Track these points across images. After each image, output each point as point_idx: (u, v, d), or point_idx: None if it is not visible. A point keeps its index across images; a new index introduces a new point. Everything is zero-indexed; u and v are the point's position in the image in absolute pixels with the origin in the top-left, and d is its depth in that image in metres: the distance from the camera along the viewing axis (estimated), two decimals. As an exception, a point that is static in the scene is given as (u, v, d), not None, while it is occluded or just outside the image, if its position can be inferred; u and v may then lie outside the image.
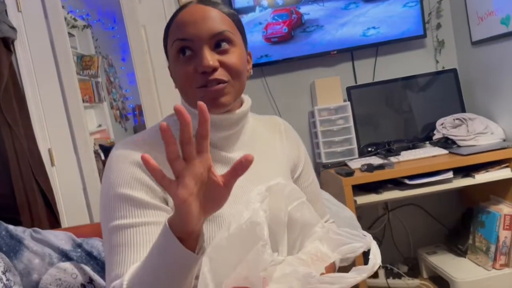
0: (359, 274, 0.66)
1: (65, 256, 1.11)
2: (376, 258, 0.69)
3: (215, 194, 0.62)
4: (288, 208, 0.82)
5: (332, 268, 0.83)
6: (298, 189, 0.83)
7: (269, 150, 0.93)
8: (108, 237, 0.76)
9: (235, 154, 0.86)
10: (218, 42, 0.78)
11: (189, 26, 0.77)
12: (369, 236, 0.74)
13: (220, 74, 0.77)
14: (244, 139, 0.89)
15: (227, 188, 0.62)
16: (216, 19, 0.78)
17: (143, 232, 0.74)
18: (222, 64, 0.77)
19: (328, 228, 0.82)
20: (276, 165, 0.92)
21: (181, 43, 0.77)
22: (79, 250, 1.13)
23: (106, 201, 0.77)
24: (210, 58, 0.75)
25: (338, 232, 0.80)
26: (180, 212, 0.60)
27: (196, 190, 0.60)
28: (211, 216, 0.79)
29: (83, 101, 3.19)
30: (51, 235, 1.14)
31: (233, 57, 0.78)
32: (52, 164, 2.13)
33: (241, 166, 0.59)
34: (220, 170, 0.83)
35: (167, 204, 0.79)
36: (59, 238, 1.14)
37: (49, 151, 2.11)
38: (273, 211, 0.79)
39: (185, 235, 0.62)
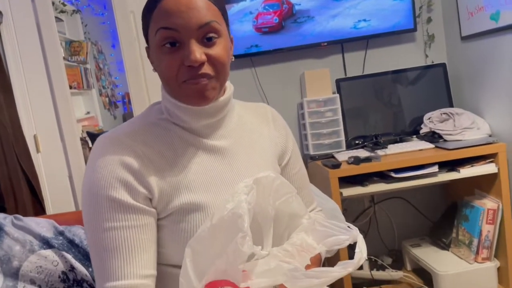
0: (345, 268, 0.67)
1: (46, 243, 1.09)
2: (362, 252, 0.69)
3: None
4: (276, 202, 0.82)
5: (318, 260, 0.84)
6: (288, 183, 0.83)
7: (256, 137, 0.92)
8: (92, 239, 0.75)
9: (220, 142, 0.85)
10: (205, 33, 0.76)
11: (175, 15, 0.74)
12: (355, 229, 0.75)
13: (207, 68, 0.76)
14: (230, 126, 0.88)
15: None
16: (203, 9, 0.75)
17: (126, 237, 0.74)
18: (209, 58, 0.76)
19: (314, 219, 0.82)
20: (263, 153, 0.91)
21: (166, 33, 0.75)
22: (60, 237, 1.12)
23: (89, 202, 0.76)
24: (198, 52, 0.74)
25: (324, 224, 0.80)
26: None
27: None
28: (196, 206, 0.78)
29: (71, 87, 3.16)
30: (32, 222, 1.12)
31: (219, 49, 0.77)
32: (38, 150, 2.10)
33: None
34: (203, 157, 0.83)
35: (151, 203, 0.78)
36: (41, 225, 1.13)
37: (35, 137, 2.09)
38: (260, 204, 0.78)
39: None
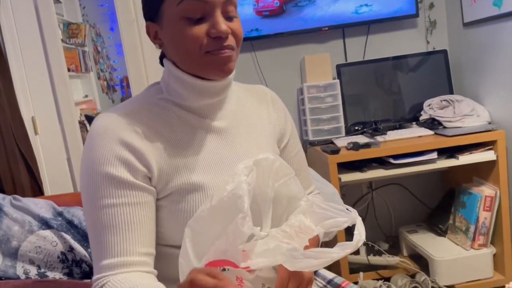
0: (343, 249, 0.66)
1: (45, 224, 1.10)
2: (360, 234, 0.69)
3: None
4: (275, 184, 0.82)
5: (316, 241, 0.84)
6: (287, 165, 0.83)
7: (255, 119, 0.92)
8: (90, 217, 0.75)
9: (220, 123, 0.85)
10: (227, 9, 0.77)
11: None
12: (354, 212, 0.74)
13: (231, 40, 0.77)
14: (230, 108, 0.88)
15: None
16: None
17: (125, 213, 0.73)
18: (232, 31, 0.77)
19: (312, 202, 0.82)
20: (263, 134, 0.91)
21: (193, 4, 0.74)
22: (59, 218, 1.13)
23: (88, 179, 0.75)
24: (224, 23, 0.75)
25: (322, 206, 0.80)
26: None
27: None
28: (196, 186, 0.78)
29: (69, 70, 3.13)
30: (31, 203, 1.13)
31: (238, 24, 0.79)
32: (36, 132, 2.09)
33: None
34: (203, 138, 0.83)
35: (150, 182, 0.78)
36: (39, 206, 1.13)
37: (33, 119, 2.07)
38: (259, 186, 0.78)
39: None
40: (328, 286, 0.91)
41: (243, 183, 0.72)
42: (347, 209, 0.78)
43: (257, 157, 0.78)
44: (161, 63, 0.88)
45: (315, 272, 0.96)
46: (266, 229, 0.79)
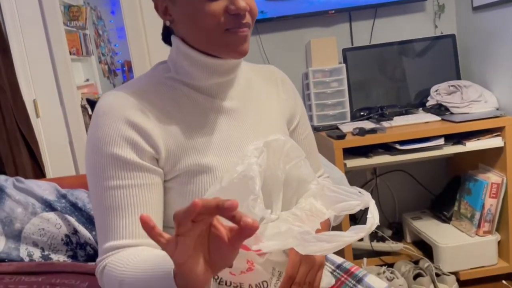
0: (357, 233, 0.64)
1: (48, 206, 1.08)
2: (374, 217, 0.67)
3: (220, 249, 0.54)
4: (286, 166, 0.80)
5: (327, 225, 0.82)
6: (298, 146, 0.81)
7: (265, 100, 0.89)
8: (96, 198, 0.73)
9: (229, 103, 0.83)
10: None
11: None
12: (367, 194, 0.72)
13: (248, 18, 0.75)
14: (239, 88, 0.85)
15: (232, 246, 0.52)
16: None
17: (132, 195, 0.71)
18: (249, 8, 0.75)
19: (323, 185, 0.80)
20: (272, 115, 0.89)
21: None
22: (63, 200, 1.11)
23: (93, 159, 0.73)
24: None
25: (333, 189, 0.78)
26: (181, 273, 0.55)
27: (196, 251, 0.53)
28: (204, 168, 0.76)
29: (70, 53, 3.09)
30: (34, 184, 1.11)
31: (253, 1, 0.77)
32: (37, 115, 2.07)
33: (249, 231, 0.49)
34: (211, 118, 0.80)
35: (157, 163, 0.76)
36: (43, 188, 1.11)
37: (34, 102, 2.05)
38: (270, 168, 0.76)
39: None
40: (337, 270, 0.89)
41: (254, 165, 0.70)
42: (359, 192, 0.76)
43: (267, 138, 0.76)
44: (164, 41, 0.85)
45: (325, 257, 0.94)
46: (277, 212, 0.78)
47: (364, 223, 0.67)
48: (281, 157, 0.79)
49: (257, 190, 0.65)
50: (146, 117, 0.75)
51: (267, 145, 0.76)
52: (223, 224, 0.53)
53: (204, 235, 0.53)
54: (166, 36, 0.84)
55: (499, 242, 1.83)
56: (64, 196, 1.11)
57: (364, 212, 2.12)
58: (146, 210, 0.72)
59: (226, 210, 0.47)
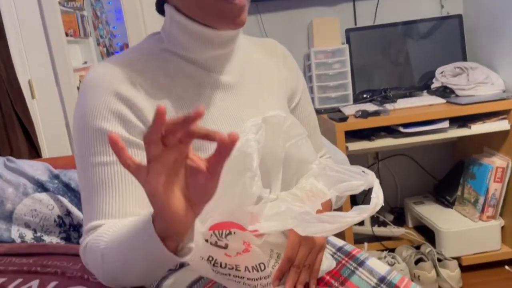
0: (360, 213, 0.61)
1: (41, 186, 1.05)
2: (378, 197, 0.64)
3: (200, 183, 0.49)
4: (286, 144, 0.76)
5: (328, 206, 0.79)
6: (299, 124, 0.77)
7: (265, 75, 0.85)
8: (82, 175, 0.69)
9: (227, 78, 0.78)
10: None
11: None
12: (371, 174, 0.68)
13: None
14: (238, 62, 0.81)
15: (212, 175, 0.49)
16: None
17: (119, 172, 0.67)
18: None
19: (325, 164, 0.76)
20: (272, 92, 0.84)
21: None
22: (56, 181, 1.07)
23: (80, 134, 0.69)
24: None
25: (335, 169, 0.74)
26: (158, 209, 0.50)
27: (171, 181, 0.49)
28: (199, 145, 0.72)
29: (68, 35, 3.04)
30: (26, 164, 1.07)
31: None
32: (33, 97, 2.03)
33: (226, 148, 0.46)
34: (207, 93, 0.76)
35: None
36: (35, 168, 1.08)
37: (29, 82, 2.01)
38: (269, 145, 0.72)
39: (170, 233, 0.53)
40: (338, 253, 0.86)
41: (252, 141, 0.66)
42: (363, 171, 0.72)
43: (266, 114, 0.72)
44: (158, 11, 0.81)
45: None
46: (276, 192, 0.74)
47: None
48: (280, 134, 0.75)
49: (254, 167, 0.62)
50: (136, 90, 0.70)
51: (266, 121, 0.72)
52: (199, 156, 0.50)
53: (180, 167, 0.49)
54: (160, 5, 0.79)
55: (502, 227, 1.80)
56: (56, 177, 1.08)
57: (365, 196, 2.09)
58: (134, 188, 0.68)
59: (193, 117, 0.44)
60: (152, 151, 0.47)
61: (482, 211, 1.78)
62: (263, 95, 0.82)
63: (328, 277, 0.81)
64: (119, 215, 0.67)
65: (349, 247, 0.88)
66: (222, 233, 0.62)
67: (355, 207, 0.63)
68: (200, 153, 0.72)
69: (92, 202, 0.67)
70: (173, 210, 0.50)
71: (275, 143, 0.74)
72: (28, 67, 2.02)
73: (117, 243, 0.60)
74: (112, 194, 0.67)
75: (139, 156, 0.70)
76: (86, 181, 0.68)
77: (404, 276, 0.81)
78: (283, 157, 0.75)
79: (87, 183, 0.68)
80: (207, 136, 0.46)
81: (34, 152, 1.90)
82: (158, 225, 0.53)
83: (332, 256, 0.85)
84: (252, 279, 0.66)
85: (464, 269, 1.77)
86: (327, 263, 0.80)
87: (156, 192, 0.48)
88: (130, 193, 0.67)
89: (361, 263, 0.83)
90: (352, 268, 0.82)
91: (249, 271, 0.65)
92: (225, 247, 0.63)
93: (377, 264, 0.83)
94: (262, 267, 0.66)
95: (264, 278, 0.67)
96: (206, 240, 0.62)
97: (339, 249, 0.87)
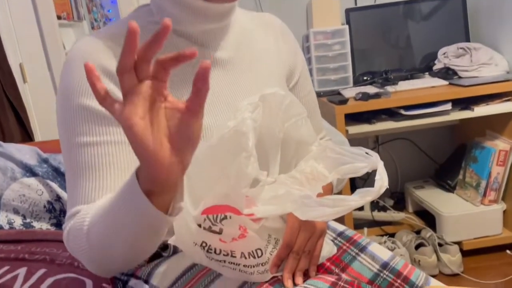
0: (363, 197, 0.57)
1: (29, 171, 1.01)
2: (383, 180, 0.59)
3: (182, 125, 0.46)
4: (284, 124, 0.71)
5: (329, 190, 0.75)
6: (298, 103, 0.72)
7: (262, 52, 0.80)
8: (66, 156, 0.65)
9: (222, 53, 0.74)
10: None
11: None
12: (375, 155, 0.64)
13: None
14: (233, 37, 0.76)
15: (193, 114, 0.45)
16: None
17: (106, 154, 0.63)
18: None
19: (325, 146, 0.72)
20: (270, 69, 0.80)
21: None
22: (45, 165, 1.03)
23: (63, 112, 0.64)
24: None
25: (337, 151, 0.69)
26: (137, 149, 0.46)
27: (149, 115, 0.45)
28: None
29: (61, 18, 2.96)
30: (13, 148, 1.03)
31: None
32: (25, 81, 1.98)
33: (202, 82, 0.43)
34: (194, 73, 0.71)
35: None
36: (23, 152, 1.03)
37: (21, 66, 1.96)
38: (266, 125, 0.68)
39: (157, 187, 0.49)
40: (338, 238, 0.82)
41: (248, 120, 0.62)
42: (366, 153, 0.68)
43: (264, 91, 0.67)
44: None
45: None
46: (274, 175, 0.70)
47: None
48: (279, 113, 0.70)
49: (250, 147, 0.57)
50: None
51: (264, 99, 0.67)
52: (179, 100, 0.47)
53: (158, 108, 0.46)
54: None
55: (504, 212, 1.77)
56: (45, 161, 1.04)
57: (365, 182, 2.06)
58: (122, 171, 0.64)
59: (162, 32, 0.42)
60: (126, 80, 0.44)
61: (484, 195, 1.75)
62: (261, 73, 0.78)
63: (328, 263, 0.77)
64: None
65: (350, 232, 0.85)
66: (216, 217, 0.58)
67: (358, 190, 0.59)
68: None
69: (77, 185, 0.63)
70: (155, 152, 0.45)
71: (273, 123, 0.69)
72: (19, 50, 1.97)
73: (101, 212, 0.56)
74: (99, 177, 0.62)
75: (123, 137, 0.65)
76: (70, 162, 0.64)
77: (407, 262, 0.78)
78: (281, 137, 0.70)
79: (71, 165, 0.64)
80: (177, 59, 0.43)
81: (26, 136, 1.86)
82: (142, 179, 0.49)
83: (333, 241, 0.82)
84: (248, 266, 0.63)
85: (465, 253, 1.74)
86: (328, 248, 0.77)
87: (133, 125, 0.44)
88: (118, 176, 0.63)
89: (362, 249, 0.79)
90: (354, 254, 0.78)
91: (245, 258, 0.62)
92: (220, 232, 0.59)
93: (379, 249, 0.80)
94: (259, 253, 0.62)
95: (261, 264, 0.64)
96: (199, 225, 0.58)
97: (340, 234, 0.84)
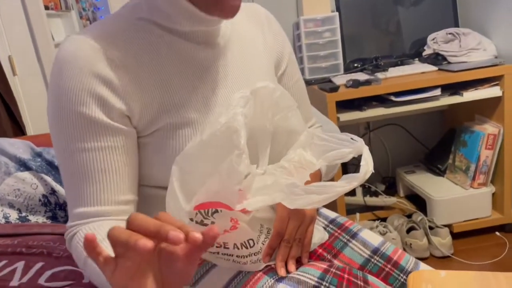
0: (349, 182, 0.58)
1: (23, 165, 1.01)
2: (368, 164, 0.61)
3: (174, 266, 0.45)
4: (275, 117, 0.73)
5: (317, 176, 0.76)
6: (288, 95, 0.73)
7: (249, 42, 0.81)
8: (61, 160, 0.66)
9: (214, 50, 0.74)
10: None
11: None
12: (360, 141, 0.66)
13: None
14: (224, 32, 0.76)
15: (189, 260, 0.45)
16: None
17: (100, 160, 0.65)
18: None
19: (313, 133, 0.73)
20: (259, 62, 0.80)
21: None
22: (38, 159, 1.04)
23: (56, 118, 0.65)
24: None
25: (323, 138, 0.71)
26: None
27: (141, 271, 0.44)
28: (186, 121, 0.69)
29: (48, 8, 2.92)
30: (6, 143, 1.03)
31: None
32: (14, 73, 1.97)
33: (205, 244, 0.43)
34: (193, 68, 0.72)
35: (130, 122, 0.68)
36: (16, 146, 1.04)
37: (10, 58, 1.94)
38: (257, 119, 0.69)
39: None
40: (330, 225, 0.84)
41: (239, 115, 0.63)
42: (351, 138, 0.69)
43: (255, 85, 0.68)
44: None
45: (317, 211, 0.90)
46: (263, 167, 0.71)
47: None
48: (270, 106, 0.72)
49: (242, 144, 0.59)
50: (116, 66, 0.65)
51: (255, 93, 0.68)
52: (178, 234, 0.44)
53: (152, 256, 0.45)
54: None
55: (493, 194, 1.81)
56: (39, 155, 1.04)
57: (357, 167, 2.08)
58: (115, 176, 0.66)
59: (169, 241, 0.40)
60: (119, 249, 0.42)
61: (474, 178, 1.78)
62: (251, 66, 0.78)
63: (320, 250, 0.80)
64: (102, 203, 0.66)
65: (341, 219, 0.87)
66: (208, 211, 0.59)
67: (344, 176, 0.60)
68: (177, 107, 0.69)
69: (74, 188, 0.66)
70: None
71: (264, 116, 0.71)
72: (7, 42, 1.95)
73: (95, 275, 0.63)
74: (94, 182, 0.65)
75: (120, 142, 0.66)
76: (66, 167, 0.66)
77: (397, 247, 0.80)
78: (271, 130, 0.72)
79: (68, 170, 0.66)
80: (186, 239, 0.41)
81: (18, 130, 1.86)
82: None
83: (325, 228, 0.84)
84: (241, 256, 0.64)
85: (455, 236, 1.78)
86: (319, 235, 0.79)
87: (124, 286, 0.44)
88: (111, 181, 0.66)
89: (354, 235, 0.81)
90: (345, 240, 0.81)
91: (238, 248, 0.63)
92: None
93: (370, 235, 0.82)
94: (251, 244, 0.64)
95: (254, 254, 0.65)
96: (191, 219, 0.59)
97: (332, 221, 0.86)
